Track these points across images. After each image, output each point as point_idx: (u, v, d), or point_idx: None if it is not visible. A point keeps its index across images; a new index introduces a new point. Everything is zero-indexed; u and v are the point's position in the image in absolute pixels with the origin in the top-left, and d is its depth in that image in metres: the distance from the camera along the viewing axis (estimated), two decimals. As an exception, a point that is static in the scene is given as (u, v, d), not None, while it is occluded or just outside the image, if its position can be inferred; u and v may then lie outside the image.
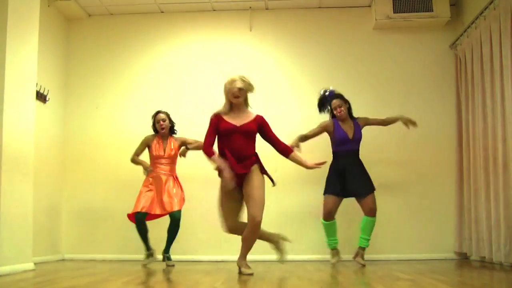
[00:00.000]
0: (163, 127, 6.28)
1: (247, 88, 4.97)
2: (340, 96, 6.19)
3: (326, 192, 6.05)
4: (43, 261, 6.31)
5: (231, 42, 7.33)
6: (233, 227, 5.07)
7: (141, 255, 6.45)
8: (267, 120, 5.11)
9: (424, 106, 7.00)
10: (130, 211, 6.07)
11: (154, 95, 7.23)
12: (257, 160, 4.99)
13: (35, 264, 5.54)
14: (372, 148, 6.89)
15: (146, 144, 6.33)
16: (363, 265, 5.79)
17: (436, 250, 6.70)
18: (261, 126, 5.04)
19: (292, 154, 5.11)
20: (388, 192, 6.78)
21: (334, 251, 6.15)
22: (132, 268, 5.72)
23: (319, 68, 7.15)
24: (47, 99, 6.71)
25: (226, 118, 4.99)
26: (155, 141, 6.30)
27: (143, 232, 6.09)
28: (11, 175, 5.17)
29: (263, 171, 5.00)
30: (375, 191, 6.00)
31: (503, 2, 5.53)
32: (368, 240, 5.99)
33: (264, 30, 7.34)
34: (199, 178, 6.90)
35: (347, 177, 5.99)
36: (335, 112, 6.14)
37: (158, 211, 6.07)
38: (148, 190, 6.12)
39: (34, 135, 5.69)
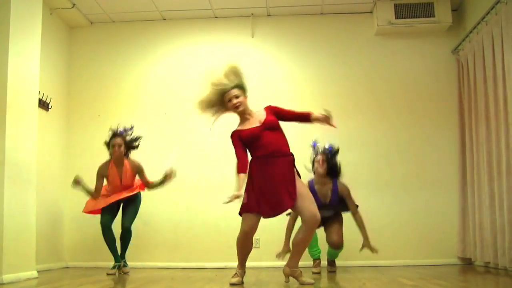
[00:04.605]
0: (116, 154, 6.07)
1: (242, 89, 4.77)
2: (326, 152, 5.91)
3: None
4: (47, 269, 6.31)
5: (233, 49, 7.34)
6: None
7: (144, 262, 6.48)
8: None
9: (426, 111, 6.99)
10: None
11: (156, 102, 7.24)
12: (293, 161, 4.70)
13: (38, 272, 5.54)
14: (376, 153, 6.90)
15: (102, 176, 6.11)
16: (334, 271, 5.95)
17: (439, 255, 6.67)
18: (275, 112, 4.79)
19: (312, 116, 4.76)
20: (391, 197, 6.78)
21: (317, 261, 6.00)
22: (135, 276, 5.72)
23: (321, 74, 7.15)
24: (49, 107, 6.73)
25: (245, 129, 4.73)
26: (109, 169, 6.10)
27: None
28: (14, 183, 5.18)
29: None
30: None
31: (504, 7, 5.54)
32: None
33: (266, 37, 7.35)
34: (203, 184, 6.92)
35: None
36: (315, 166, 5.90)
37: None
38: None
39: (37, 143, 5.71)
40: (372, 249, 5.79)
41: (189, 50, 7.39)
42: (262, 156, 4.62)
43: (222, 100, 4.76)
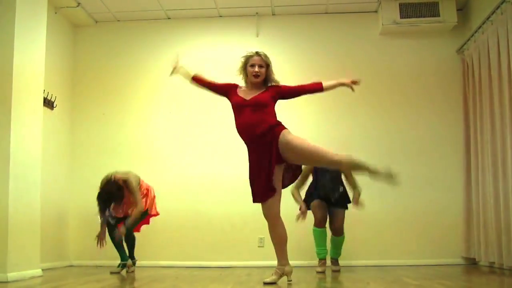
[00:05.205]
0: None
1: (267, 64, 4.67)
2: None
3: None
4: (51, 268, 6.32)
5: (237, 48, 7.31)
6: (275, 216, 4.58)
7: (148, 261, 6.49)
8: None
9: (431, 111, 6.98)
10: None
11: (161, 101, 7.25)
12: (283, 128, 4.52)
13: (43, 270, 5.55)
14: (379, 153, 6.88)
15: None
16: (338, 271, 5.92)
17: (444, 255, 6.66)
18: (276, 91, 4.64)
19: (324, 85, 4.72)
20: (395, 197, 6.76)
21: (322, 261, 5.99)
22: (139, 274, 5.73)
23: (325, 73, 7.10)
24: (54, 105, 6.73)
25: (238, 91, 4.69)
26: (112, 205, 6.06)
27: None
28: (19, 181, 5.19)
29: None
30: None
31: (510, 6, 5.52)
32: (340, 253, 6.08)
33: (271, 36, 7.34)
34: (208, 184, 6.93)
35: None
36: None
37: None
38: None
39: (42, 142, 5.71)
40: (359, 204, 5.80)
41: (194, 50, 7.37)
42: (244, 140, 4.57)
43: (245, 63, 4.70)
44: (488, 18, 6.05)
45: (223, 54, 7.28)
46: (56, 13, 6.87)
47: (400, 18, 6.91)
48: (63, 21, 7.17)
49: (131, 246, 6.17)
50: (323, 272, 5.75)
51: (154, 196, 6.21)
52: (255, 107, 4.51)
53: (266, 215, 4.58)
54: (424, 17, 6.90)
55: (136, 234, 6.20)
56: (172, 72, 4.95)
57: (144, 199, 6.04)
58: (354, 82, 4.77)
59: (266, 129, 4.44)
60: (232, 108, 4.66)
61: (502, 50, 5.69)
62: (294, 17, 7.33)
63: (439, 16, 6.88)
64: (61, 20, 7.08)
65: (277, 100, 4.67)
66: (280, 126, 4.51)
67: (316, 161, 4.56)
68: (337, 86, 4.77)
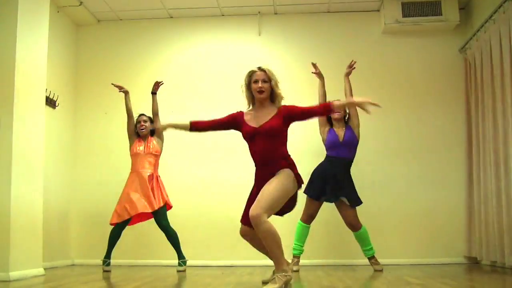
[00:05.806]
0: (143, 128, 6.27)
1: (273, 79, 4.39)
2: None
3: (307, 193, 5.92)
4: (53, 266, 6.33)
5: (240, 47, 7.33)
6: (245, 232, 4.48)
7: (150, 260, 6.48)
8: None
9: (433, 110, 6.97)
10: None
11: (163, 100, 7.22)
12: (288, 165, 4.31)
13: (45, 269, 5.56)
14: (382, 152, 6.88)
15: (131, 133, 6.35)
16: (380, 270, 5.71)
17: (446, 254, 6.65)
18: (288, 115, 4.35)
19: (334, 105, 4.40)
20: (398, 196, 6.76)
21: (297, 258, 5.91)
22: (141, 273, 5.72)
23: (327, 72, 7.11)
24: (56, 104, 6.74)
25: (246, 119, 4.41)
26: (136, 141, 6.29)
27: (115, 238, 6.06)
28: (21, 180, 5.20)
29: (296, 176, 4.32)
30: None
31: (512, 5, 5.52)
32: (371, 248, 5.89)
33: (273, 35, 7.34)
34: (209, 183, 6.93)
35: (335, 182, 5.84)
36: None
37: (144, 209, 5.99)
38: (132, 191, 6.08)
39: (44, 141, 5.72)
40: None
41: (196, 48, 7.39)
42: (255, 163, 4.39)
43: (249, 81, 4.44)
44: (490, 17, 6.04)
45: (225, 53, 7.29)
46: (58, 12, 6.87)
47: (403, 17, 6.91)
48: (66, 20, 7.18)
49: (175, 245, 6.09)
50: (297, 271, 5.63)
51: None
52: (266, 135, 4.28)
53: (245, 233, 4.48)
54: (427, 16, 6.89)
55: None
56: (161, 130, 4.65)
57: (164, 192, 6.22)
58: (373, 104, 4.31)
59: (277, 159, 4.29)
60: (244, 138, 4.41)
61: (505, 49, 5.68)
62: (296, 16, 7.33)
63: (441, 15, 6.87)
64: (63, 19, 7.09)
65: (289, 124, 4.41)
66: (286, 162, 4.32)
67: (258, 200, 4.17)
68: (348, 106, 4.74)
